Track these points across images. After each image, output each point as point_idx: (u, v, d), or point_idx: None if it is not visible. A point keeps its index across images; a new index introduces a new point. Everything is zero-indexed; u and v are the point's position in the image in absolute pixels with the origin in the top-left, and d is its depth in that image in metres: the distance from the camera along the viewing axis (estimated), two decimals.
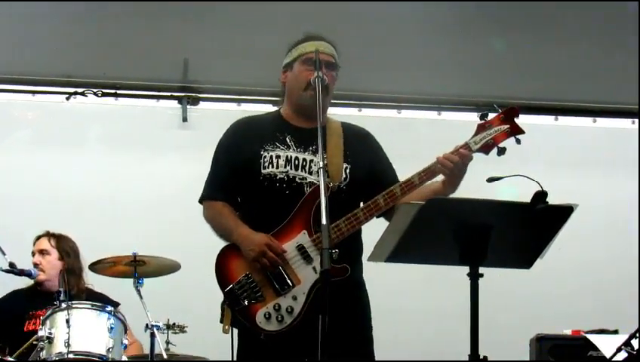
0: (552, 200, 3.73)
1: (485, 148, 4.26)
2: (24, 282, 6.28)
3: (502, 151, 4.24)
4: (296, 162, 4.38)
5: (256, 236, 4.27)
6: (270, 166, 4.38)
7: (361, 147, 4.52)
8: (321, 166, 3.88)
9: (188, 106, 7.80)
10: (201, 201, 4.55)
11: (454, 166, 4.21)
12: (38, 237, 6.52)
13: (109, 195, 7.51)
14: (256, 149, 4.41)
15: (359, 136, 4.59)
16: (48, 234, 6.51)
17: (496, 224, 3.74)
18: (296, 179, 4.35)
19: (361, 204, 4.36)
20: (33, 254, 6.43)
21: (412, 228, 3.68)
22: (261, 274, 4.25)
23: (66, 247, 6.47)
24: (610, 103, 8.10)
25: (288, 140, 4.44)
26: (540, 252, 3.91)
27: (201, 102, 7.86)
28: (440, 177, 4.29)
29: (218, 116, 7.60)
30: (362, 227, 4.38)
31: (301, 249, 4.25)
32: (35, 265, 6.32)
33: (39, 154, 7.62)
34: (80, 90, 7.65)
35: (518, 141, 4.26)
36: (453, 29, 7.35)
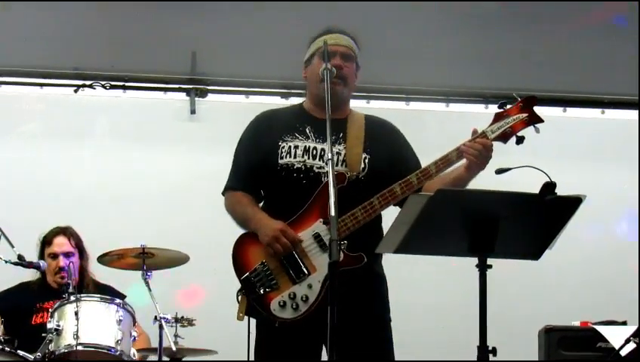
0: (561, 191, 3.73)
1: (503, 137, 4.25)
2: (31, 274, 6.27)
3: (520, 140, 4.22)
4: (314, 152, 4.41)
5: (273, 222, 4.29)
6: (288, 156, 4.41)
7: (382, 138, 4.54)
8: (329, 158, 3.89)
9: (196, 98, 7.78)
10: (223, 194, 4.58)
11: (479, 153, 4.20)
12: (54, 235, 6.44)
13: (117, 187, 7.51)
14: (275, 140, 4.46)
15: (382, 127, 4.61)
16: (65, 233, 6.45)
17: (505, 215, 3.73)
18: (314, 169, 4.38)
19: None
20: (51, 255, 6.36)
21: (421, 219, 3.69)
22: (277, 262, 4.27)
23: (80, 244, 6.46)
24: (618, 95, 8.08)
25: (308, 131, 4.47)
26: (548, 243, 3.91)
27: (209, 94, 7.84)
28: (460, 163, 4.29)
29: (226, 108, 7.63)
30: (383, 219, 4.40)
31: (317, 237, 4.27)
32: (62, 268, 6.28)
33: (47, 147, 7.62)
34: (88, 82, 7.64)
35: (537, 130, 4.25)
36: (461, 21, 7.34)
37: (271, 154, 4.43)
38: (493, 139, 4.24)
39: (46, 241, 6.42)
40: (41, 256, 6.34)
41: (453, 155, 4.26)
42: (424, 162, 4.38)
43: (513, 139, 4.26)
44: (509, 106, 4.29)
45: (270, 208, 4.44)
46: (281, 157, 4.42)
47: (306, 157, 4.40)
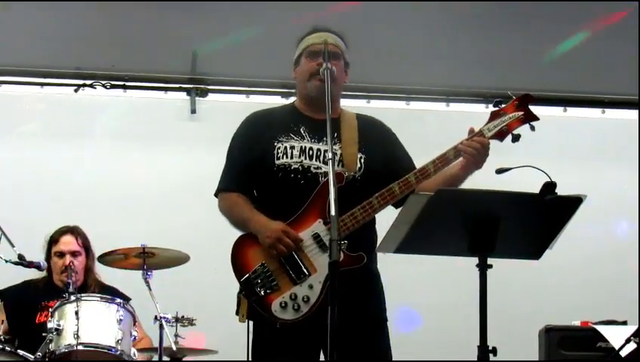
0: (561, 191, 3.73)
1: (499, 136, 4.26)
2: (32, 274, 6.26)
3: (516, 138, 4.24)
4: (311, 152, 4.40)
5: (273, 223, 4.28)
6: (284, 156, 4.39)
7: (375, 137, 4.54)
8: (329, 157, 3.88)
9: (196, 98, 7.80)
10: (216, 194, 4.55)
11: (476, 152, 4.21)
12: (62, 234, 6.43)
13: (117, 187, 7.52)
14: (270, 141, 4.44)
15: (374, 127, 4.61)
16: (73, 233, 6.43)
17: (505, 215, 3.73)
18: (311, 169, 4.37)
19: None
20: (57, 253, 6.35)
21: (421, 219, 3.68)
22: (277, 263, 4.25)
23: (87, 244, 6.45)
24: (618, 95, 8.08)
25: (302, 131, 4.46)
26: (548, 243, 3.91)
27: (209, 93, 7.85)
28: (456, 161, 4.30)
29: (226, 108, 7.62)
30: (377, 219, 4.39)
31: (317, 237, 4.26)
32: (67, 268, 6.25)
33: (47, 147, 7.62)
34: (88, 81, 7.65)
35: (532, 128, 4.26)
36: (461, 21, 7.34)
37: (266, 154, 4.42)
38: (489, 137, 4.26)
39: (53, 240, 6.42)
40: (48, 255, 6.35)
41: (451, 154, 4.27)
42: (423, 161, 4.37)
43: (509, 137, 4.27)
44: (504, 105, 4.31)
45: (266, 209, 4.40)
46: (278, 158, 4.40)
47: (302, 157, 4.39)
